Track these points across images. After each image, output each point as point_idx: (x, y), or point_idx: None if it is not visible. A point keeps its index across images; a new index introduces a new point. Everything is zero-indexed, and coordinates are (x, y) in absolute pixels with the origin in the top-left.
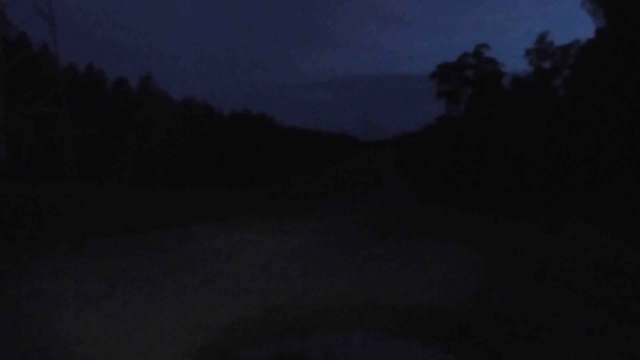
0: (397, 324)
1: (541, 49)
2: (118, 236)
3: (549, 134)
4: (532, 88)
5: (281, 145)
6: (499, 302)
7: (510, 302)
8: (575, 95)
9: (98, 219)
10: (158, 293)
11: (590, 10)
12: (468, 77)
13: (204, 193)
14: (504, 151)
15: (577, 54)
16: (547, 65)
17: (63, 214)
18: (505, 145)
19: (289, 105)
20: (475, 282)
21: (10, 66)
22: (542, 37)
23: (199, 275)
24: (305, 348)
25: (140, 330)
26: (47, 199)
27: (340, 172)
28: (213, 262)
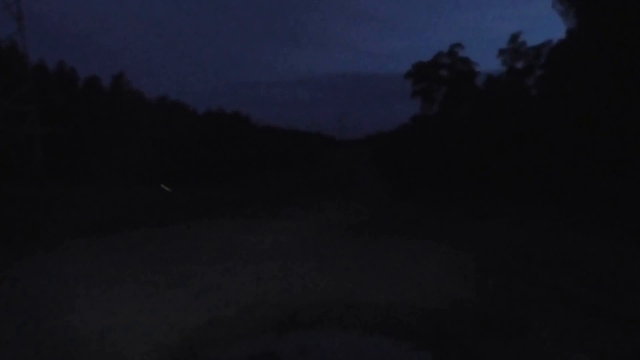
0: (372, 322)
1: (514, 49)
2: (91, 236)
3: (522, 133)
4: (505, 87)
5: (256, 144)
6: (474, 299)
7: (485, 299)
8: (547, 95)
9: (70, 219)
10: (130, 293)
11: (561, 11)
12: (442, 76)
13: (178, 192)
14: (478, 150)
15: (549, 54)
16: (519, 65)
17: (33, 214)
18: (478, 144)
19: (264, 104)
20: (450, 279)
21: None
22: (514, 37)
23: (173, 276)
24: (279, 347)
25: (111, 331)
26: (16, 198)
27: (316, 171)
28: (186, 262)
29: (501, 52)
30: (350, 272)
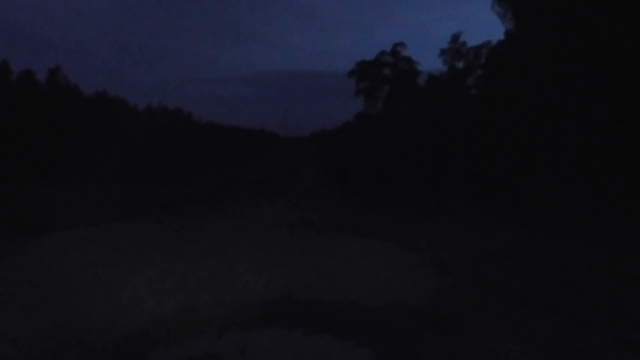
0: (314, 320)
1: (455, 49)
2: (20, 235)
3: (462, 131)
4: (447, 87)
5: (199, 140)
6: (414, 295)
7: (425, 295)
8: (486, 94)
9: None
10: (66, 294)
11: (500, 12)
12: (385, 75)
13: (113, 190)
14: (420, 148)
15: (488, 55)
16: (460, 65)
17: None
18: (421, 142)
19: (207, 101)
20: (391, 276)
21: None
22: (455, 38)
23: (110, 276)
24: (219, 347)
25: (47, 332)
26: None
27: (259, 169)
28: (124, 262)
29: (442, 52)
30: (293, 271)
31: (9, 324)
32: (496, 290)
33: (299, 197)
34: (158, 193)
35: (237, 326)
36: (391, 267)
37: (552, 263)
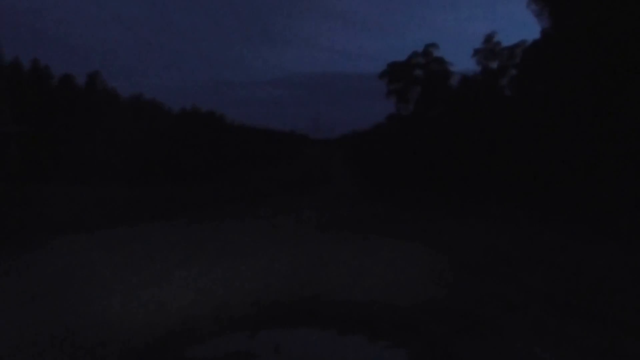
0: (347, 320)
1: (488, 49)
2: (70, 235)
3: (496, 133)
4: (480, 87)
5: (231, 142)
6: (448, 297)
7: (459, 297)
8: (521, 95)
9: (47, 218)
10: (103, 292)
11: (536, 11)
12: (417, 76)
13: (152, 191)
14: (452, 149)
15: (523, 54)
16: (494, 65)
17: (9, 213)
18: (453, 144)
19: (239, 103)
20: (424, 277)
21: None
22: (489, 38)
23: (146, 274)
24: (254, 345)
25: (81, 330)
26: None
27: (290, 170)
28: (161, 260)
29: (476, 52)
30: (326, 271)
31: (44, 321)
32: (530, 293)
33: (328, 199)
34: (192, 194)
35: (270, 324)
36: (423, 268)
37: (588, 265)
